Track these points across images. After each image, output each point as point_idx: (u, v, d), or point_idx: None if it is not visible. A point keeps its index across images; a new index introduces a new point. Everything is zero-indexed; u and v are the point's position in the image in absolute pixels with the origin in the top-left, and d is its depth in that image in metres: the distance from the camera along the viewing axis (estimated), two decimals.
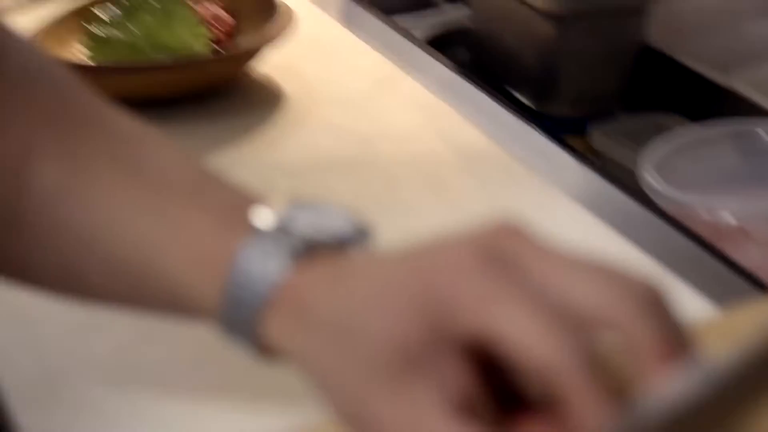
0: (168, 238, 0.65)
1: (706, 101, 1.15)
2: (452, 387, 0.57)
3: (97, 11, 1.17)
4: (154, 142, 0.69)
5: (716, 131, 1.07)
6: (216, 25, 1.20)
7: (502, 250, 0.58)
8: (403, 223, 0.90)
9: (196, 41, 1.15)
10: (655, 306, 0.56)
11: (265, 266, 0.62)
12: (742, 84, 1.13)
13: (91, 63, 1.15)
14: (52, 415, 0.75)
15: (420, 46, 1.24)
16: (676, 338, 0.56)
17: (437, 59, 1.19)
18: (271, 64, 1.19)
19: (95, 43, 1.15)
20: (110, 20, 1.15)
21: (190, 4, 1.18)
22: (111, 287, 0.68)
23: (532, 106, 1.20)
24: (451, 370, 0.57)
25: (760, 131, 1.06)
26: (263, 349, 0.63)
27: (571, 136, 1.12)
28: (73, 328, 0.82)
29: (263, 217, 0.64)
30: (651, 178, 0.99)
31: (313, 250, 0.63)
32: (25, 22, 1.21)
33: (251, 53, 1.16)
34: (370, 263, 0.62)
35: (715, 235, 0.93)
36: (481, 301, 0.56)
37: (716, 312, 0.80)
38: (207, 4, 1.22)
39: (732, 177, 1.04)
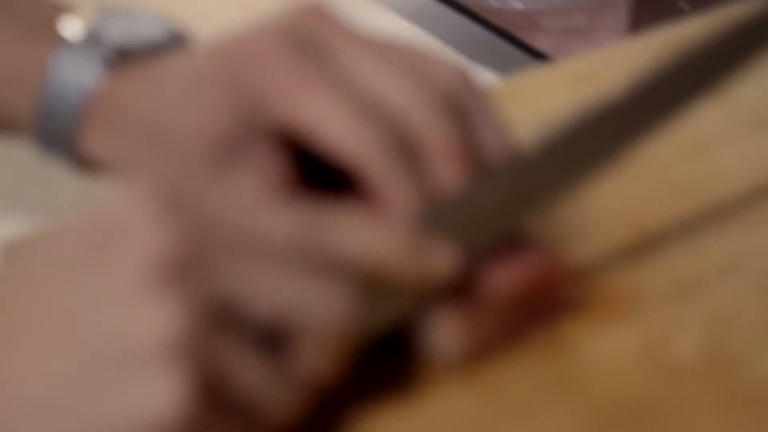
0: None
1: None
2: (270, 173, 0.58)
3: None
4: None
5: None
6: None
7: (310, 33, 0.59)
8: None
9: None
10: (457, 106, 0.58)
11: (77, 76, 0.62)
12: None
13: None
14: None
15: None
16: (471, 142, 0.58)
17: None
18: None
19: None
20: None
21: None
22: None
23: None
24: (267, 157, 0.58)
25: None
26: (82, 162, 0.64)
27: None
28: None
29: (73, 27, 0.64)
30: None
31: (127, 58, 0.62)
32: None
33: None
34: (181, 61, 0.62)
35: (506, 24, 0.97)
36: (288, 89, 0.57)
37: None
38: None
39: None
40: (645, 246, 0.63)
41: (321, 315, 0.52)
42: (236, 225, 0.55)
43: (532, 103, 0.76)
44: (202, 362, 0.48)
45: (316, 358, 0.52)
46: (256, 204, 0.57)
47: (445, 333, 0.56)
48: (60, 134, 0.63)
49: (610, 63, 0.80)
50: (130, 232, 0.50)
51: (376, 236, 0.54)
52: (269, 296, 0.51)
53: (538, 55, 0.95)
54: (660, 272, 0.62)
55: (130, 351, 0.48)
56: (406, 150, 0.56)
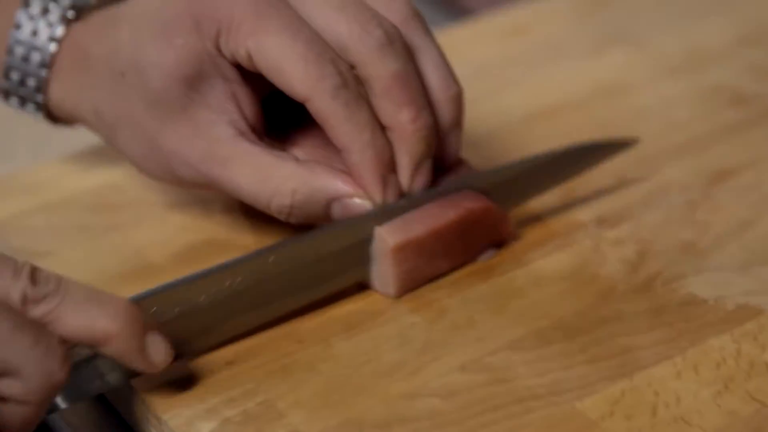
0: None
1: None
2: (231, 110, 0.61)
3: None
4: None
5: None
6: None
7: None
8: None
9: None
10: (404, 42, 0.61)
11: (38, 34, 0.65)
12: None
13: None
14: None
15: None
16: (415, 78, 0.60)
17: None
18: None
19: None
20: None
21: None
22: None
23: None
24: (228, 93, 0.61)
25: None
26: (53, 116, 0.67)
27: None
28: None
29: None
30: None
31: (86, 8, 0.65)
32: None
33: None
34: (140, 2, 0.63)
35: None
36: (245, 24, 0.59)
37: None
38: None
39: None
40: (574, 182, 0.68)
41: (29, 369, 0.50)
42: None
43: (464, 55, 0.81)
44: None
45: (14, 416, 0.50)
46: (222, 143, 0.60)
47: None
48: (30, 90, 0.65)
49: (537, 16, 0.85)
50: None
51: (98, 323, 0.52)
52: None
53: (465, 12, 0.98)
54: (589, 205, 0.67)
55: None
56: (354, 87, 0.59)
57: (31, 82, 0.65)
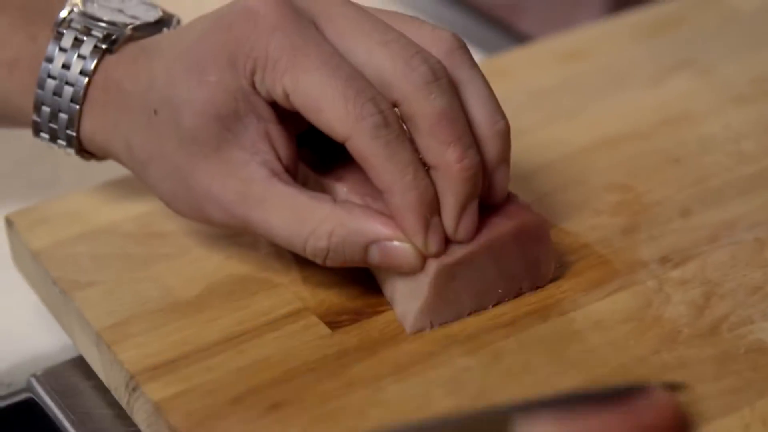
0: None
1: None
2: (265, 150, 0.59)
3: None
4: None
5: None
6: None
7: (304, 4, 0.59)
8: None
9: None
10: (448, 76, 0.58)
11: (73, 63, 0.63)
12: None
13: None
14: None
15: None
16: (455, 112, 0.58)
17: None
18: None
19: None
20: None
21: None
22: None
23: None
24: (262, 133, 0.59)
25: None
26: (82, 149, 0.64)
27: None
28: None
29: (65, 13, 0.64)
30: None
31: (119, 41, 0.63)
32: None
33: None
34: (174, 37, 0.62)
35: (490, 6, 0.99)
36: (282, 62, 0.57)
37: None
38: None
39: None
40: (637, 218, 0.65)
41: None
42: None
43: (519, 80, 0.78)
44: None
45: None
46: (256, 184, 0.58)
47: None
48: (59, 122, 0.63)
49: (594, 40, 0.82)
50: None
51: None
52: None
53: (522, 37, 0.96)
54: (652, 242, 0.64)
55: None
56: (396, 126, 0.57)
57: (63, 117, 0.63)
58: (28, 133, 0.65)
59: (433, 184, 0.58)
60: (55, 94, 0.63)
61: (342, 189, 0.60)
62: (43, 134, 0.64)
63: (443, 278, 0.58)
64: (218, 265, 0.63)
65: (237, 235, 0.65)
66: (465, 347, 0.58)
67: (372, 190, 0.59)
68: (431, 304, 0.58)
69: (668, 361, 0.56)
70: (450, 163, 0.57)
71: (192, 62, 0.59)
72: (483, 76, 0.60)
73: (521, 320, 0.59)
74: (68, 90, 0.63)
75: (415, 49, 0.58)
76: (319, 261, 0.58)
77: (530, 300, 0.60)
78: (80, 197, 0.69)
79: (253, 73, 0.58)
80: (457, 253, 0.58)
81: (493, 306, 0.60)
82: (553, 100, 0.77)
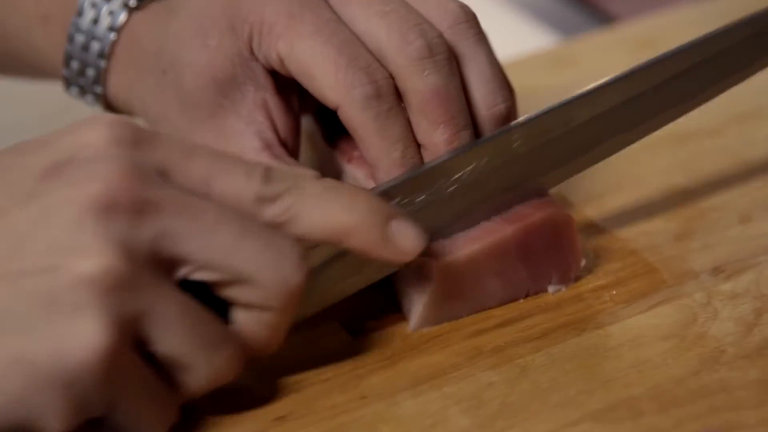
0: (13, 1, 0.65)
1: None
2: (260, 120, 0.58)
3: None
4: None
5: None
6: None
7: None
8: None
9: None
10: (438, 56, 0.55)
11: (102, 18, 0.62)
12: None
13: None
14: None
15: None
16: (450, 91, 0.55)
17: None
18: None
19: None
20: None
21: None
22: None
23: None
24: (259, 102, 0.58)
25: None
26: (108, 104, 0.64)
27: None
28: None
29: None
30: None
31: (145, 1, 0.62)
32: None
33: None
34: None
35: None
36: (279, 27, 0.56)
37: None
38: None
39: None
40: (692, 223, 0.61)
41: (272, 274, 0.48)
42: (204, 168, 0.49)
43: (586, 69, 0.75)
44: (125, 306, 0.46)
45: (259, 324, 0.49)
46: (247, 154, 0.57)
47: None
48: (87, 77, 0.63)
49: (669, 28, 0.78)
50: (84, 163, 0.47)
51: (335, 218, 0.50)
52: (205, 247, 0.48)
53: (607, 18, 0.92)
54: (705, 250, 0.60)
55: (58, 289, 0.46)
56: (389, 99, 0.55)
57: (90, 73, 0.63)
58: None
59: (422, 163, 0.56)
60: (83, 49, 0.62)
61: (354, 170, 0.58)
62: (72, 88, 0.64)
63: (447, 277, 0.55)
64: None
65: None
66: (490, 360, 0.54)
67: None
68: (434, 303, 0.55)
69: (708, 384, 0.52)
70: (438, 144, 0.55)
71: (198, 25, 0.58)
72: (490, 51, 0.57)
73: (554, 333, 0.55)
74: (95, 45, 0.62)
75: (414, 21, 0.56)
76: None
77: (566, 311, 0.57)
78: None
79: (250, 38, 0.57)
80: (460, 252, 0.55)
81: (510, 303, 0.57)
82: None
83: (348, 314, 0.57)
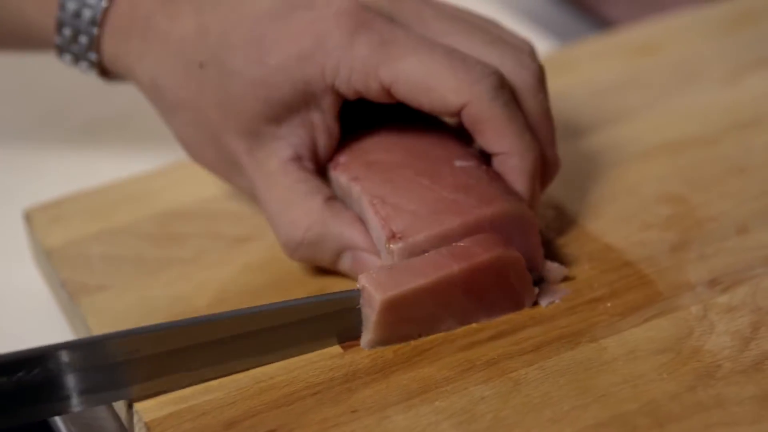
0: None
1: None
2: (300, 134, 0.58)
3: None
4: None
5: None
6: None
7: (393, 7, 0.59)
8: None
9: None
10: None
11: None
12: None
13: None
14: None
15: None
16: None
17: None
18: None
19: None
20: None
21: None
22: None
23: None
24: (307, 121, 0.58)
25: None
26: (107, 73, 0.63)
27: None
28: None
29: None
30: None
31: None
32: None
33: None
34: None
35: None
36: (374, 57, 0.56)
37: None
38: None
39: None
40: (689, 233, 0.60)
41: None
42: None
43: (584, 75, 0.74)
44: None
45: None
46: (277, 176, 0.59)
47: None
48: (80, 44, 0.62)
49: (667, 34, 0.77)
50: None
51: None
52: None
53: (606, 23, 0.91)
54: (702, 262, 0.59)
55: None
56: (509, 88, 0.58)
57: (83, 40, 0.62)
58: None
59: None
60: (74, 15, 0.62)
61: (338, 176, 0.59)
62: (65, 56, 0.64)
63: (390, 308, 0.54)
64: (233, 272, 0.60)
65: (257, 238, 0.62)
66: (483, 374, 0.53)
67: (384, 193, 0.57)
68: (380, 327, 0.54)
69: (703, 400, 0.51)
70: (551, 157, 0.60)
71: (255, 36, 0.58)
72: (545, 89, 0.59)
73: (548, 346, 0.55)
74: (87, 12, 0.62)
75: (495, 51, 0.58)
76: (287, 252, 0.58)
77: (560, 323, 0.56)
78: (101, 193, 0.66)
79: (335, 74, 0.57)
80: (404, 287, 0.54)
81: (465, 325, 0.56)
82: (616, 99, 0.72)
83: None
